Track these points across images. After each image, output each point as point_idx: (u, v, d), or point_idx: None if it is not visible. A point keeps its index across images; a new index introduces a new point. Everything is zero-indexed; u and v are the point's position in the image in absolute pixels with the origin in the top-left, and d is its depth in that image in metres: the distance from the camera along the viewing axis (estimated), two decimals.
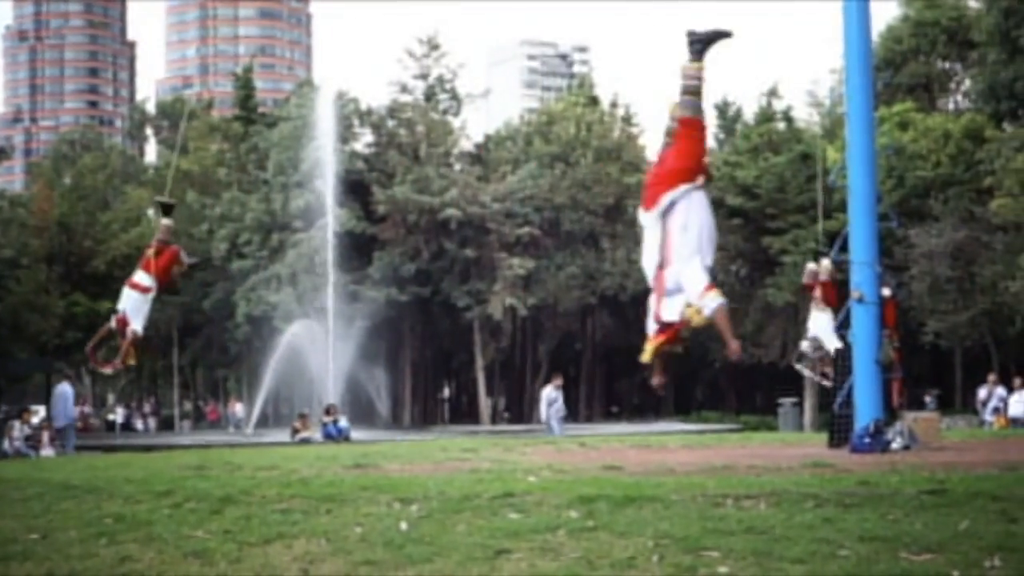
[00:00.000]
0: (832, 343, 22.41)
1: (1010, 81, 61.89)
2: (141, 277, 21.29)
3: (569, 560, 9.41)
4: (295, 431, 44.72)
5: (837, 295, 23.90)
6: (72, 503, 13.31)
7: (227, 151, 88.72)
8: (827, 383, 23.98)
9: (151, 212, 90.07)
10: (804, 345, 22.77)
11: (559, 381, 43.16)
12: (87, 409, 73.91)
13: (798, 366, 27.82)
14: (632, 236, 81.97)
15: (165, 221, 22.28)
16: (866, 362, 21.26)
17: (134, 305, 21.08)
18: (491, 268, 79.13)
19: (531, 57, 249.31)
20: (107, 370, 22.97)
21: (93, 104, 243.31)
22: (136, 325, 20.91)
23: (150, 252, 21.51)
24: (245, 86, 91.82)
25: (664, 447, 23.39)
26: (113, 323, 21.05)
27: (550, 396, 41.25)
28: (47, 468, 20.59)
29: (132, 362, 21.68)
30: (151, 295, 21.32)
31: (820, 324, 23.16)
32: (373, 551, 9.93)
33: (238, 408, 74.25)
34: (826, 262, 25.24)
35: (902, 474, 13.92)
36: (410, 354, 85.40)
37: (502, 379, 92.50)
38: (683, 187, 14.44)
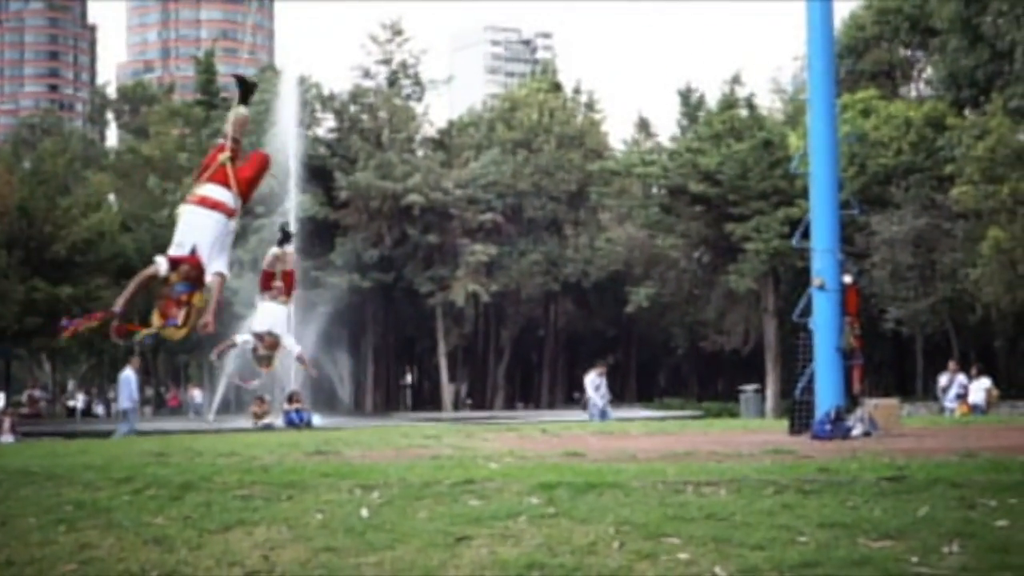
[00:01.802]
0: (289, 341, 21.32)
1: (971, 69, 62.18)
2: (219, 193, 14.12)
3: (530, 546, 9.42)
4: (256, 416, 44.57)
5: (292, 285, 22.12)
6: (31, 490, 13.24)
7: (189, 136, 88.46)
8: (248, 385, 24.56)
9: (112, 197, 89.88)
10: (241, 339, 21.02)
11: (603, 368, 43.45)
12: (37, 393, 73.57)
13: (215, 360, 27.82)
14: (595, 223, 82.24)
15: (241, 111, 15.03)
16: (827, 349, 21.35)
17: (213, 234, 13.88)
18: (454, 254, 79.16)
19: (494, 43, 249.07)
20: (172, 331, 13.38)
21: (53, 88, 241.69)
22: (220, 265, 13.74)
23: (222, 157, 14.32)
24: (207, 70, 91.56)
25: (626, 434, 23.42)
26: (164, 266, 13.15)
27: (595, 382, 41.43)
28: (5, 455, 20.48)
29: (208, 326, 13.28)
30: (235, 220, 14.46)
31: (276, 317, 21.00)
32: (334, 537, 9.92)
33: (196, 394, 74.01)
34: (288, 248, 21.71)
35: (862, 461, 13.98)
36: (372, 340, 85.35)
37: (464, 365, 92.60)
38: None
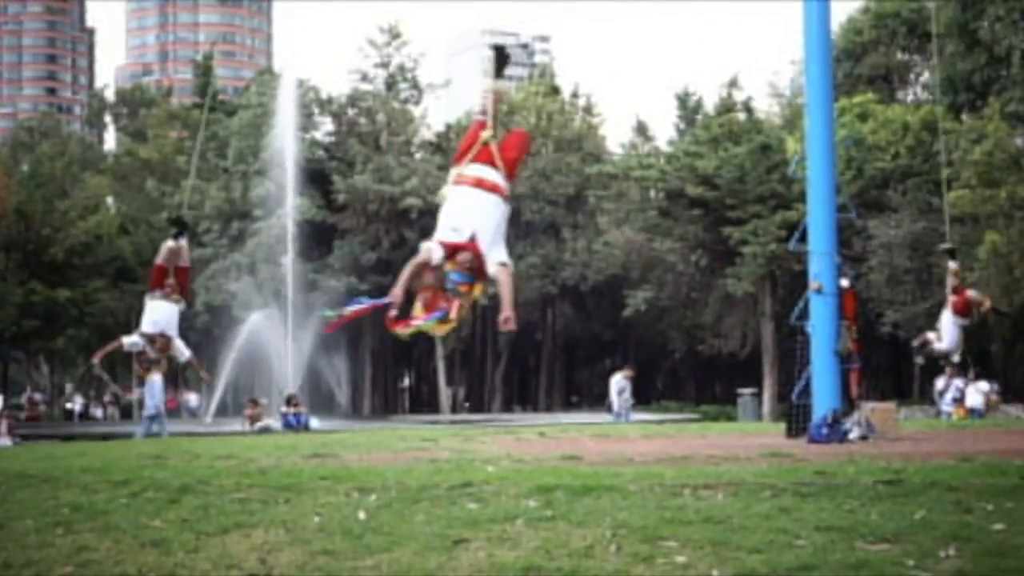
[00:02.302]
0: (179, 344, 20.42)
1: (968, 73, 62.22)
2: (492, 174, 13.02)
3: (527, 550, 9.43)
4: (250, 419, 44.37)
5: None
6: (28, 492, 13.25)
7: (187, 139, 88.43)
8: (127, 394, 24.32)
9: (110, 200, 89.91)
10: (129, 341, 20.04)
11: (629, 372, 43.73)
12: (37, 396, 73.60)
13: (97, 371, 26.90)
14: (592, 226, 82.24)
15: (498, 83, 14.49)
16: (824, 352, 21.37)
17: (494, 219, 12.94)
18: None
19: (492, 47, 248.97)
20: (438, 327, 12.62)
21: (51, 91, 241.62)
22: (501, 254, 12.74)
23: (485, 135, 13.40)
24: (205, 73, 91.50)
25: (623, 437, 23.45)
26: (438, 252, 12.40)
27: (620, 384, 41.71)
28: (3, 457, 20.48)
29: (509, 322, 12.52)
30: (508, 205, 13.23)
31: (170, 317, 20.20)
32: (331, 541, 9.93)
33: (192, 397, 74.01)
34: (182, 242, 21.18)
35: (859, 464, 14.00)
36: (370, 343, 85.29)
37: (462, 368, 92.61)
38: None
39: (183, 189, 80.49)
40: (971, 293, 25.06)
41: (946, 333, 24.83)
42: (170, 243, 19.96)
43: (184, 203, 55.38)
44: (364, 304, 13.06)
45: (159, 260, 19.79)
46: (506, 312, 12.30)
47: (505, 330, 12.42)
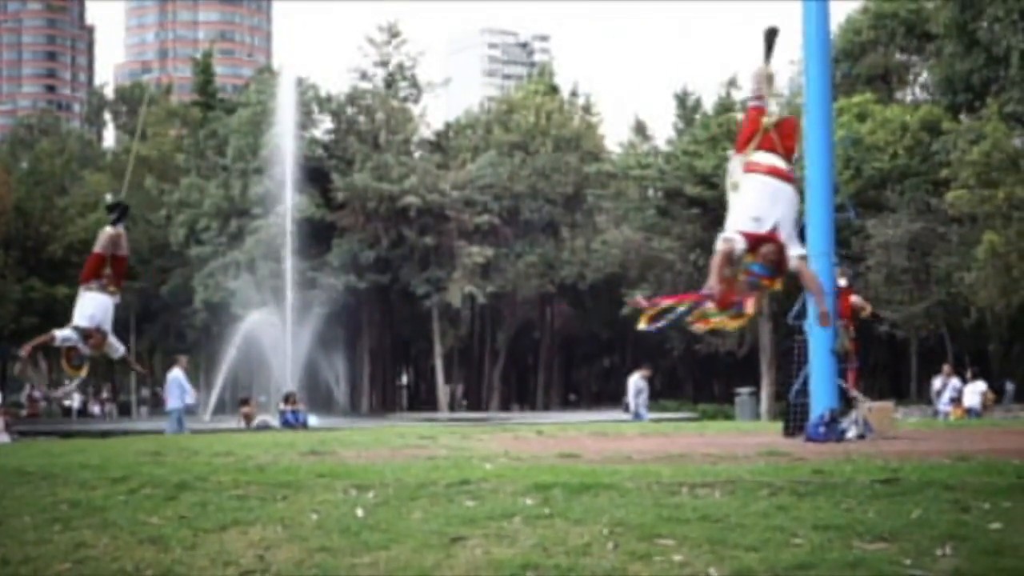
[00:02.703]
0: (113, 340, 19.52)
1: (966, 73, 62.23)
2: (782, 162, 12.53)
3: (524, 547, 9.44)
4: (245, 418, 44.29)
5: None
6: (27, 489, 13.26)
7: (186, 137, 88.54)
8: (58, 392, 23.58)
9: (108, 198, 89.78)
10: (61, 335, 18.43)
11: (647, 371, 43.82)
12: (37, 393, 73.50)
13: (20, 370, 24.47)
14: (591, 225, 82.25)
15: (768, 67, 13.84)
16: (822, 352, 21.37)
17: (793, 210, 12.75)
18: (450, 256, 79.18)
19: (492, 45, 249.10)
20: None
21: (51, 88, 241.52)
22: (798, 246, 12.37)
23: (766, 122, 12.79)
24: (204, 71, 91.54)
25: (621, 435, 23.43)
26: (741, 244, 11.82)
27: (638, 385, 41.74)
28: (1, 454, 20.48)
29: (826, 318, 13.26)
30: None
31: (106, 310, 19.47)
32: (329, 538, 9.94)
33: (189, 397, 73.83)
34: (118, 229, 20.45)
35: (856, 463, 13.99)
36: (368, 341, 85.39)
37: (460, 366, 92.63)
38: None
39: (182, 187, 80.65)
40: (854, 299, 24.73)
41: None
42: (108, 230, 18.44)
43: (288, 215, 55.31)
44: (680, 296, 12.69)
45: (97, 248, 18.29)
46: (822, 307, 12.80)
47: (824, 326, 12.82)
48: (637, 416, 40.68)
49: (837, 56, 63.32)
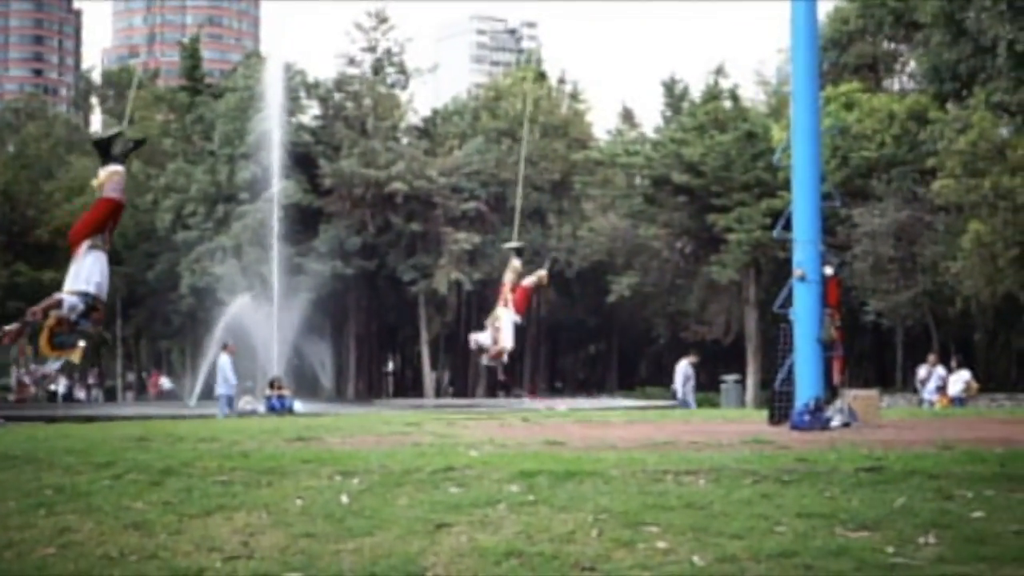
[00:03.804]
0: None
1: (954, 63, 62.21)
2: None
3: (509, 534, 9.46)
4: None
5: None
6: (11, 474, 13.24)
7: (173, 121, 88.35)
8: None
9: (95, 182, 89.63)
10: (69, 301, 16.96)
11: (694, 358, 43.93)
12: (26, 378, 73.30)
13: None
14: (578, 212, 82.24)
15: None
16: (807, 340, 21.39)
17: None
18: (437, 242, 79.17)
19: (480, 32, 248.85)
20: None
21: (38, 72, 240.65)
22: None
23: None
24: (192, 56, 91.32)
25: (607, 423, 23.46)
26: None
27: (686, 372, 41.85)
28: None
29: None
30: None
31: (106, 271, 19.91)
32: (313, 524, 9.95)
33: (164, 381, 73.91)
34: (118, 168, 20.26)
35: (840, 451, 14.03)
36: (355, 327, 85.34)
37: (447, 353, 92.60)
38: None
39: (168, 171, 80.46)
40: (528, 281, 24.75)
41: (507, 332, 24.30)
42: (119, 168, 15.11)
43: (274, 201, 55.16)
44: None
45: (114, 192, 14.99)
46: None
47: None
48: (685, 404, 40.86)
49: (824, 45, 63.29)
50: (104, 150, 15.33)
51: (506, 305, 24.29)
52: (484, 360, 25.77)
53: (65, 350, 14.50)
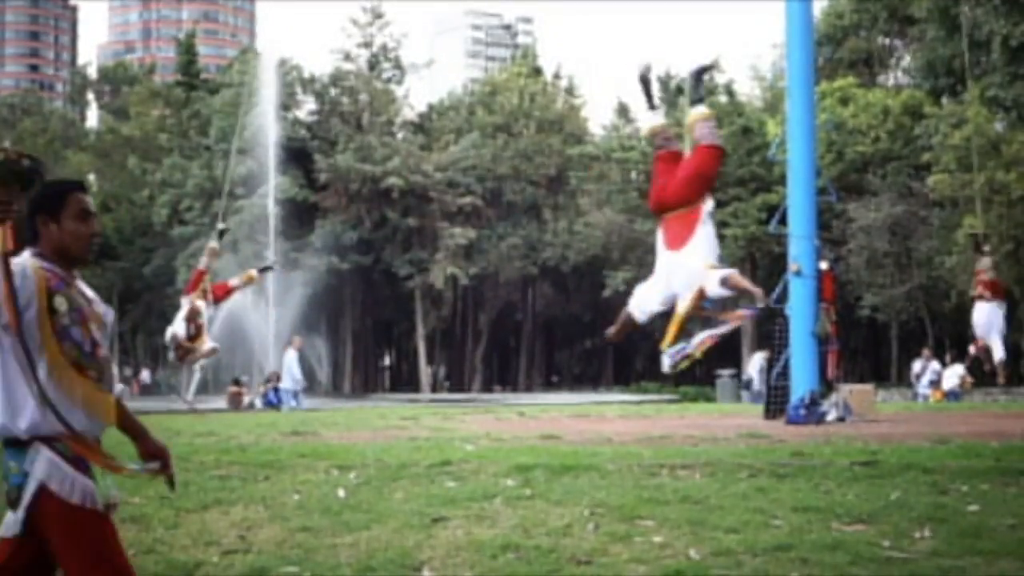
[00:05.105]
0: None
1: (948, 58, 62.24)
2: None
3: (505, 528, 9.48)
4: (236, 397, 44.20)
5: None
6: None
7: (169, 117, 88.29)
8: None
9: (91, 178, 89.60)
10: None
11: (770, 352, 43.97)
12: None
13: None
14: (574, 207, 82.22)
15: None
16: (803, 334, 21.44)
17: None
18: (433, 237, 79.12)
19: (475, 27, 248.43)
20: None
21: (34, 68, 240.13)
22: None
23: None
24: (188, 52, 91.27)
25: (602, 417, 23.50)
26: None
27: (760, 365, 41.91)
28: None
29: None
30: None
31: None
32: (310, 518, 9.97)
33: (146, 375, 73.80)
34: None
35: (836, 445, 14.08)
36: (351, 322, 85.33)
37: (443, 348, 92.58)
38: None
39: (165, 167, 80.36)
40: (235, 281, 24.80)
41: (207, 330, 24.05)
42: (701, 111, 13.96)
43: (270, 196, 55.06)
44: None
45: (710, 139, 13.69)
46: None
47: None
48: (757, 397, 40.97)
49: (820, 40, 63.30)
50: (647, 91, 14.45)
51: (205, 297, 23.90)
52: (175, 356, 25.00)
53: None
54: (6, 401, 5.41)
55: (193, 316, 23.38)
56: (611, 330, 12.92)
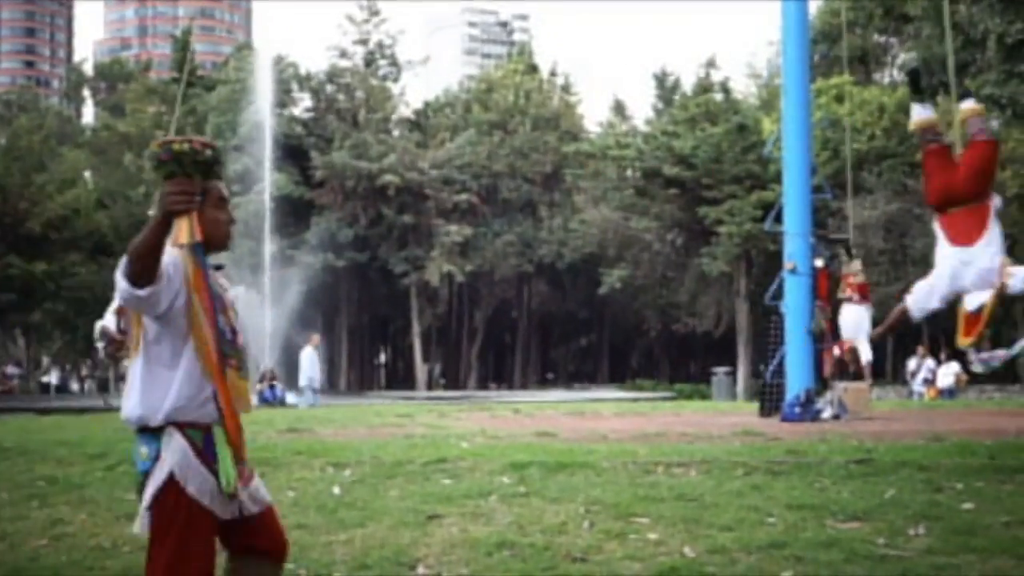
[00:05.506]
0: None
1: (943, 56, 62.27)
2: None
3: (500, 525, 9.49)
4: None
5: None
6: (4, 465, 13.27)
7: (165, 114, 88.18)
8: None
9: (87, 174, 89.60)
10: None
11: (926, 350, 44.31)
12: (10, 370, 73.18)
13: None
14: (569, 205, 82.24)
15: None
16: (798, 332, 21.45)
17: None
18: (428, 235, 79.10)
19: (471, 24, 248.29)
20: None
21: (30, 64, 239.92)
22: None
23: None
24: (184, 48, 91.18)
25: (598, 415, 23.51)
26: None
27: (925, 364, 42.07)
28: None
29: None
30: None
31: None
32: (306, 515, 9.98)
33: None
34: None
35: (831, 443, 14.08)
36: (347, 320, 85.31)
37: (438, 345, 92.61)
38: None
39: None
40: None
41: None
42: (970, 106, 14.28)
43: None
44: None
45: (983, 135, 13.45)
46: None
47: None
48: (919, 395, 41.10)
49: (815, 38, 63.25)
50: (916, 84, 14.70)
51: None
52: (104, 351, 24.59)
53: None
54: (145, 392, 5.47)
55: (123, 309, 23.06)
56: (879, 329, 13.21)
